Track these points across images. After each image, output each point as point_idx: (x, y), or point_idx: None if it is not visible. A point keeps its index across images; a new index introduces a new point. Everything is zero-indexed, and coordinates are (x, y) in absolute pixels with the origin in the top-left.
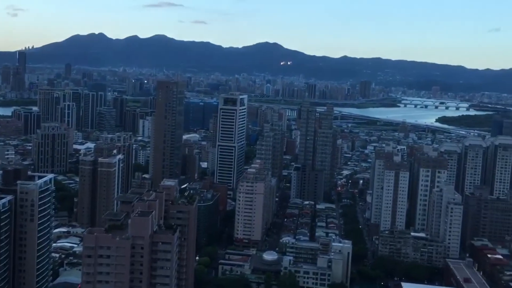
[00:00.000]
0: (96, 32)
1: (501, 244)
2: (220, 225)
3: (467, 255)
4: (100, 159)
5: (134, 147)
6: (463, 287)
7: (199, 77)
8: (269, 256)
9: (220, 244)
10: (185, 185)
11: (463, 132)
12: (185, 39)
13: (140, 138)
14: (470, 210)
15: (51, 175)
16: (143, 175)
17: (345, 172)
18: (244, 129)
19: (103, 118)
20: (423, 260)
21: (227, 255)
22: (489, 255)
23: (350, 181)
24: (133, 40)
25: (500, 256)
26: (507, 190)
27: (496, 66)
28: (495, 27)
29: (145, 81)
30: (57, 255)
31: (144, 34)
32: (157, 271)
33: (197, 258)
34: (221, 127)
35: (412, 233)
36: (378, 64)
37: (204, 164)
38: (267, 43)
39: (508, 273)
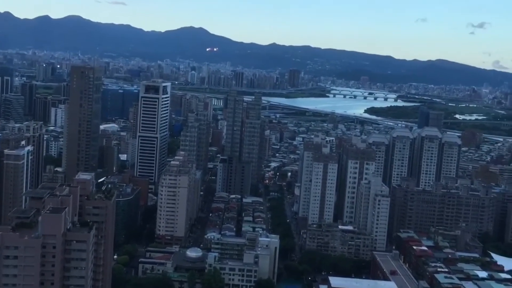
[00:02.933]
0: (1, 11)
1: (426, 235)
2: (140, 221)
3: (394, 247)
4: (6, 151)
5: (45, 138)
6: (389, 279)
7: (118, 63)
8: (193, 253)
9: (140, 241)
10: (102, 179)
11: (391, 124)
12: (103, 21)
13: (52, 128)
14: (397, 202)
15: None
16: (56, 169)
17: (273, 164)
18: (167, 119)
19: (10, 105)
20: (350, 253)
21: (148, 253)
22: (414, 247)
23: (278, 174)
24: (44, 21)
25: (425, 248)
26: (432, 182)
27: (423, 57)
28: (421, 17)
29: (58, 66)
30: None
31: (56, 14)
32: (71, 271)
33: (115, 257)
34: (142, 117)
35: (340, 226)
36: (307, 52)
37: (123, 156)
38: (192, 27)
39: (433, 264)
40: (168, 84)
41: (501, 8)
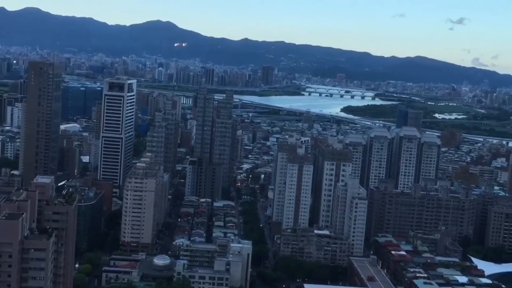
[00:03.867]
0: None
1: (405, 239)
2: (104, 227)
3: (371, 252)
4: None
5: (0, 139)
6: (366, 286)
7: (79, 58)
8: (161, 260)
9: (104, 249)
10: (63, 183)
11: (369, 123)
12: (63, 14)
13: (8, 128)
14: (374, 205)
15: None
16: (12, 172)
17: (246, 166)
18: (132, 118)
19: None
20: (326, 259)
21: (112, 261)
22: (393, 252)
23: (250, 176)
24: None
25: (403, 253)
26: (411, 183)
27: (401, 54)
28: (399, 12)
29: (14, 62)
30: None
31: (13, 5)
32: (29, 282)
33: (76, 265)
34: (106, 116)
35: (316, 231)
36: (281, 48)
37: (85, 158)
38: (159, 21)
39: (411, 269)
40: (134, 81)
41: (480, 4)
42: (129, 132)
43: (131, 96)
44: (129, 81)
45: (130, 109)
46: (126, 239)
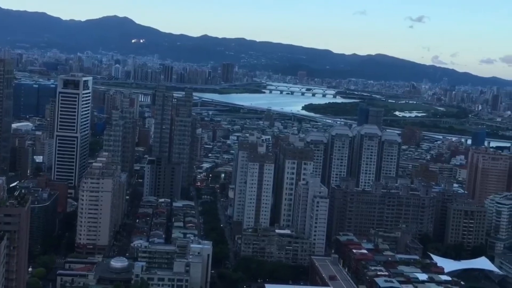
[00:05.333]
0: None
1: (366, 238)
2: (59, 229)
3: (333, 251)
4: None
5: None
6: (328, 285)
7: (32, 54)
8: (118, 263)
9: (58, 251)
10: (15, 184)
11: (330, 121)
12: (14, 8)
13: None
14: (336, 203)
15: None
16: None
17: (206, 165)
18: (88, 116)
19: None
20: (288, 259)
21: (68, 264)
22: (354, 250)
23: (211, 175)
24: None
25: (365, 251)
26: (372, 182)
27: (362, 51)
28: (360, 9)
29: None
30: None
31: None
32: None
33: (30, 269)
34: (60, 114)
35: (277, 230)
36: (242, 45)
37: (38, 158)
38: (115, 17)
39: (372, 268)
40: (90, 78)
41: (439, 2)
42: (84, 131)
43: (86, 93)
44: (84, 78)
45: (86, 107)
46: (82, 241)
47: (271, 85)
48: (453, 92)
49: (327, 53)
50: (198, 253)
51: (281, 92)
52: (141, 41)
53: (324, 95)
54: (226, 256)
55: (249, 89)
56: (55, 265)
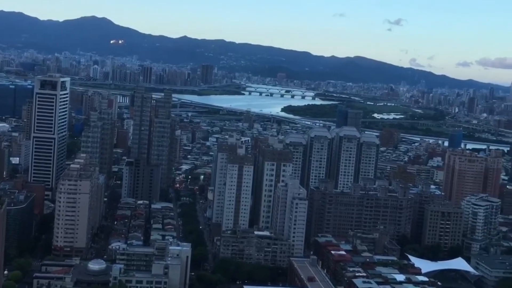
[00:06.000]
0: None
1: (345, 239)
2: (35, 231)
3: (312, 252)
4: None
5: None
6: (306, 286)
7: (9, 55)
8: (96, 265)
9: (35, 254)
10: None
11: (309, 123)
12: None
13: None
14: (315, 205)
15: None
16: None
17: (185, 167)
18: (66, 117)
19: None
20: (267, 261)
21: (44, 267)
22: (332, 252)
23: (190, 177)
24: None
25: (343, 252)
26: (351, 183)
27: (341, 53)
28: (339, 12)
29: None
30: None
31: None
32: None
33: (5, 272)
34: (37, 115)
35: (256, 232)
36: (221, 46)
37: (15, 160)
38: (94, 17)
39: (351, 269)
40: (67, 79)
41: (417, 5)
42: (62, 132)
43: (64, 94)
44: (62, 79)
45: (63, 108)
46: (59, 244)
47: (251, 86)
48: (431, 95)
49: (306, 55)
50: (177, 255)
51: (261, 93)
52: (120, 42)
53: (303, 97)
54: (205, 258)
55: (228, 91)
56: (32, 268)
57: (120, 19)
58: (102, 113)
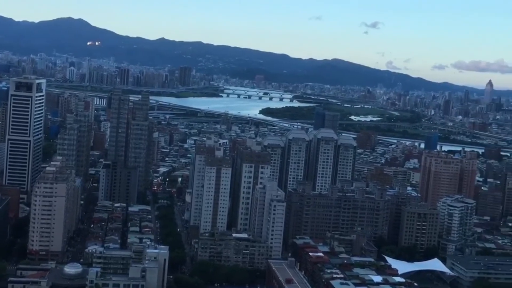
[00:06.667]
0: None
1: (322, 241)
2: (10, 235)
3: (289, 254)
4: None
5: None
6: None
7: None
8: (72, 269)
9: (10, 258)
10: None
11: (287, 125)
12: None
13: None
14: (293, 207)
15: None
16: None
17: (162, 169)
18: (41, 120)
19: None
20: (245, 263)
21: (19, 271)
22: (310, 254)
23: (167, 179)
24: None
25: (321, 254)
26: (328, 185)
27: (319, 56)
28: (316, 15)
29: None
30: None
31: None
32: None
33: None
34: (12, 118)
35: (234, 234)
36: (199, 49)
37: None
38: (70, 18)
39: (328, 271)
40: (43, 81)
41: (393, 8)
42: (38, 135)
43: (40, 96)
44: (37, 81)
45: (39, 110)
46: (34, 248)
47: (229, 89)
48: (407, 97)
49: (284, 58)
50: (154, 258)
51: (239, 96)
52: (97, 43)
53: (281, 99)
54: (183, 261)
55: (206, 93)
56: (6, 272)
57: (97, 21)
58: (79, 115)
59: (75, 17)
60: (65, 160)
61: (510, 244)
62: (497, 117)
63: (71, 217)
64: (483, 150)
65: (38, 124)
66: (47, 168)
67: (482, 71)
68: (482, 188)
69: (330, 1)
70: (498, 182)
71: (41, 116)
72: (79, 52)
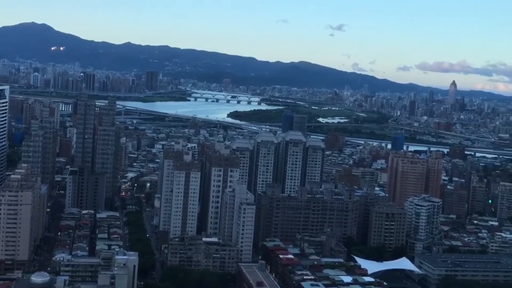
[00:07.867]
0: None
1: (292, 243)
2: None
3: (260, 257)
4: None
5: None
6: None
7: None
8: (39, 278)
9: None
10: None
11: (255, 128)
12: None
13: None
14: (262, 209)
15: None
16: None
17: (130, 175)
18: (5, 127)
19: None
20: (215, 267)
21: None
22: (280, 256)
23: (136, 185)
24: None
25: (291, 256)
26: (297, 187)
27: (286, 59)
28: (282, 17)
29: None
30: None
31: None
32: None
33: None
34: None
35: (204, 239)
36: (165, 52)
37: None
38: (33, 23)
39: (299, 272)
40: (6, 87)
41: (358, 11)
42: (1, 142)
43: (3, 103)
44: (0, 87)
45: (3, 117)
46: (0, 257)
47: (196, 92)
48: (373, 98)
49: (251, 61)
50: (124, 264)
51: (206, 99)
52: (61, 48)
53: (249, 102)
54: (153, 267)
55: (174, 97)
56: None
57: (61, 26)
58: (44, 121)
59: (39, 22)
60: (30, 167)
61: (475, 242)
62: (461, 116)
63: (37, 225)
64: (448, 150)
65: (2, 131)
66: (12, 176)
67: (446, 72)
68: (448, 187)
69: (297, 4)
70: (463, 180)
71: (5, 123)
72: (43, 58)
